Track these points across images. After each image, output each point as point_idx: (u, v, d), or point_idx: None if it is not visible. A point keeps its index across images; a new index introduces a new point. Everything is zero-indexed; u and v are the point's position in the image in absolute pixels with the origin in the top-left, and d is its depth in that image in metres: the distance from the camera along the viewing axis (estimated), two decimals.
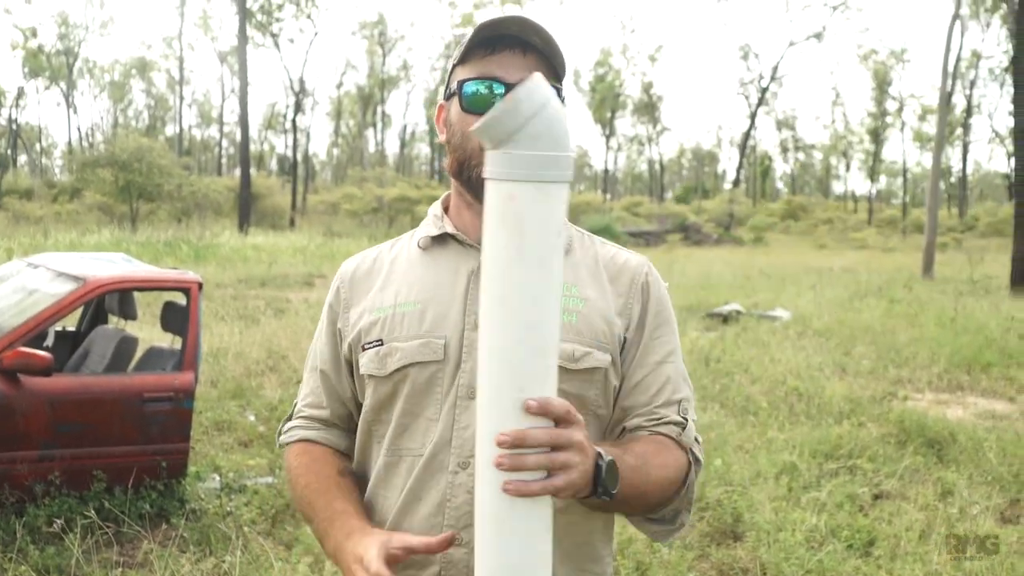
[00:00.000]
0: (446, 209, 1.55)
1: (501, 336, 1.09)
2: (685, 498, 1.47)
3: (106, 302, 6.02)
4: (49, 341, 5.91)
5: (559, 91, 1.39)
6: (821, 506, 5.27)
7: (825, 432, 6.71)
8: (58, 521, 4.39)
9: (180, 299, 5.73)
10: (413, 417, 1.43)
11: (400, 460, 1.44)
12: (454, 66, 1.45)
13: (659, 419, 1.45)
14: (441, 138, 1.50)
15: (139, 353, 6.00)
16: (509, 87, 1.36)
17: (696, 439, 1.49)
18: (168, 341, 6.71)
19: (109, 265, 5.75)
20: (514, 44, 1.39)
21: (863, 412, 7.43)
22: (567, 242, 1.47)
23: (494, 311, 1.10)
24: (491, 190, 1.09)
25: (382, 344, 1.45)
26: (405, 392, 1.43)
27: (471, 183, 1.41)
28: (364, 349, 1.48)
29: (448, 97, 1.47)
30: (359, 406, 1.54)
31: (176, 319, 5.59)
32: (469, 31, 1.42)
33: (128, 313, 5.77)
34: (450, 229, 1.49)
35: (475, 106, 1.39)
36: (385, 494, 1.46)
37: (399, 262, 1.54)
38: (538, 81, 1.07)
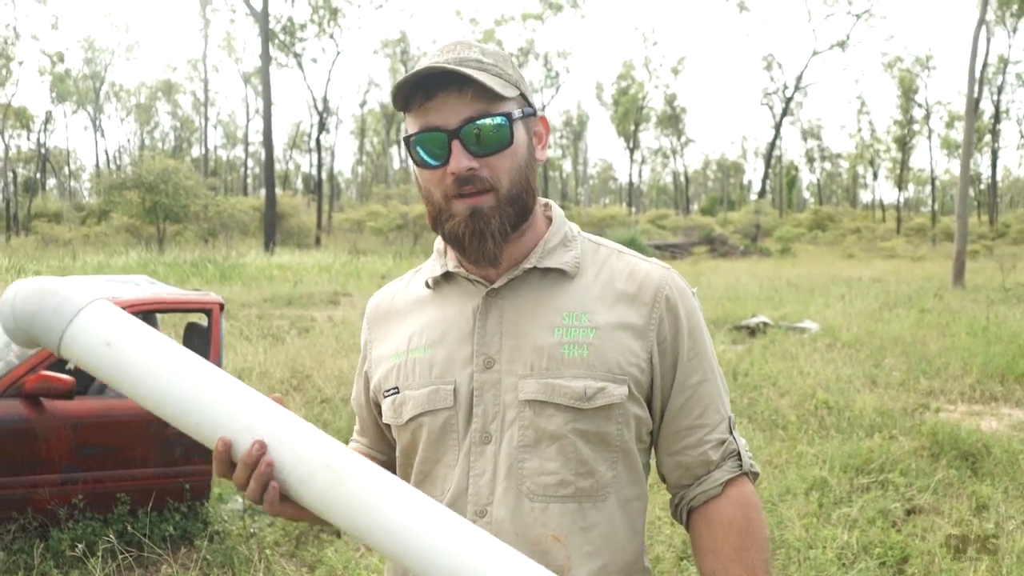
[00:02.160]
0: None
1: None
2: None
3: None
4: (72, 364, 5.92)
5: (511, 114, 1.32)
6: (852, 522, 5.18)
7: (856, 446, 6.60)
8: (80, 545, 4.39)
9: (203, 320, 5.74)
10: (433, 464, 1.39)
11: None
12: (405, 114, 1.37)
13: (713, 463, 1.39)
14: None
15: None
16: (451, 134, 1.28)
17: (746, 451, 1.43)
18: None
19: (131, 287, 5.76)
20: (447, 83, 1.29)
21: (894, 425, 7.31)
22: (573, 263, 1.40)
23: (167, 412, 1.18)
24: (75, 357, 1.19)
25: (397, 392, 1.42)
26: (423, 440, 1.39)
27: (447, 237, 1.36)
28: (384, 397, 1.45)
29: None
30: (393, 441, 1.53)
31: (198, 340, 5.60)
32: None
33: None
34: (452, 266, 1.43)
35: (424, 161, 1.32)
36: None
37: (412, 302, 1.49)
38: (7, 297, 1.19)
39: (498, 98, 1.30)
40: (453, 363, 1.38)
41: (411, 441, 1.42)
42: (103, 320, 1.19)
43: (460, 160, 1.28)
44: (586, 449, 1.33)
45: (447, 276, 1.44)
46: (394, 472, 1.50)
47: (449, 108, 1.29)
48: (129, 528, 4.73)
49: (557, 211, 1.47)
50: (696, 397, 1.40)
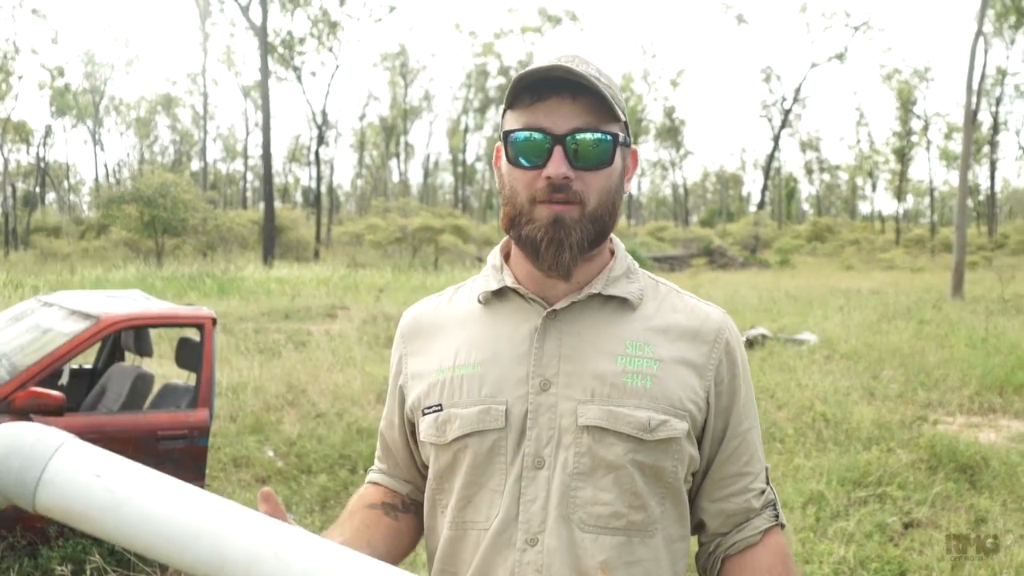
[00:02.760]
0: (507, 258, 1.46)
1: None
2: None
3: (122, 339, 6.01)
4: (64, 379, 5.90)
5: (617, 136, 1.31)
6: (849, 537, 5.13)
7: (853, 459, 6.56)
8: (68, 564, 4.35)
9: (195, 335, 5.71)
10: (477, 488, 1.34)
11: (465, 534, 1.35)
12: (505, 110, 1.36)
13: (754, 511, 1.39)
14: (498, 185, 1.42)
15: (155, 390, 5.98)
16: (556, 139, 1.27)
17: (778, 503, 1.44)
18: (184, 377, 6.69)
19: (124, 302, 5.74)
20: (562, 89, 1.28)
21: (892, 437, 7.27)
22: (637, 294, 1.39)
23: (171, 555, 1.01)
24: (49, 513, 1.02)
25: (441, 410, 1.37)
26: (467, 462, 1.34)
27: (522, 240, 1.33)
28: (424, 414, 1.40)
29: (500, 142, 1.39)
30: (421, 465, 1.49)
31: (191, 355, 5.57)
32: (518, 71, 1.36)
33: (144, 350, 5.75)
34: (510, 282, 1.39)
35: (521, 159, 1.30)
36: (453, 571, 1.36)
37: (458, 317, 1.45)
38: None
39: (609, 116, 1.30)
40: (505, 383, 1.34)
41: (451, 463, 1.37)
42: (84, 455, 1.05)
43: (559, 166, 1.27)
44: (641, 482, 1.31)
45: (502, 293, 1.41)
46: (422, 502, 1.48)
47: (560, 113, 1.28)
48: (118, 546, 4.68)
49: (620, 244, 1.47)
50: (745, 444, 1.39)
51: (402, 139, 73.89)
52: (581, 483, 1.29)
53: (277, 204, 53.02)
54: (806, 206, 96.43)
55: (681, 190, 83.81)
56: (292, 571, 0.98)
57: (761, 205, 64.80)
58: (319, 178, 53.85)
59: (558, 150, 1.27)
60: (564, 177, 1.27)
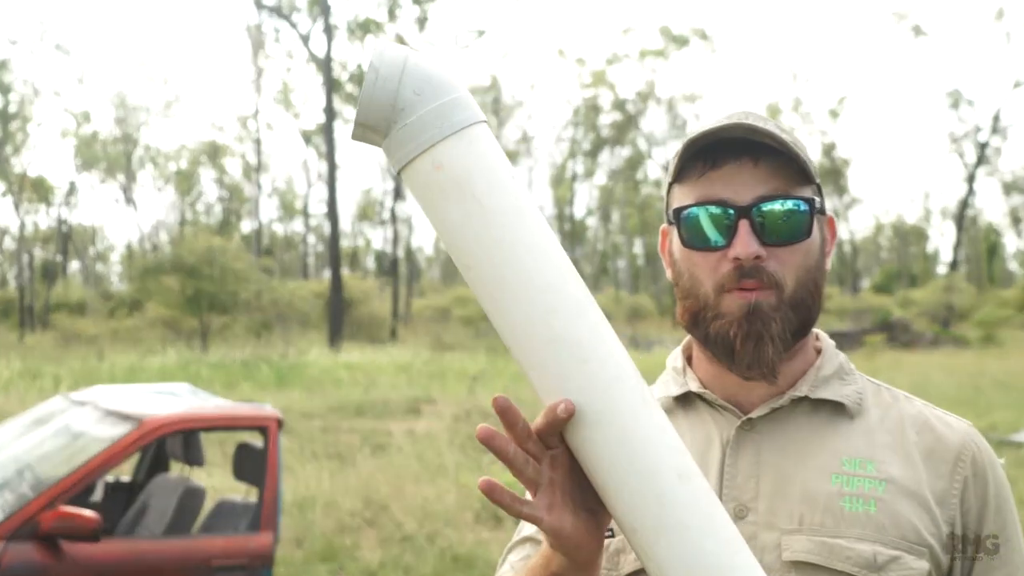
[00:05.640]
0: (688, 360, 1.46)
1: (526, 323, 1.09)
2: None
3: (167, 445, 6.09)
4: (98, 495, 5.99)
5: (813, 201, 1.31)
6: None
7: None
8: None
9: (256, 439, 5.74)
10: None
11: None
12: (670, 184, 1.37)
13: None
14: (668, 274, 1.42)
15: (207, 507, 6.02)
16: (740, 211, 1.27)
17: None
18: (242, 492, 6.73)
19: (170, 400, 5.82)
20: (741, 152, 1.28)
21: None
22: (855, 398, 1.36)
23: (504, 299, 1.10)
24: (411, 179, 1.11)
25: (612, 535, 1.33)
26: None
27: (711, 339, 1.32)
28: None
29: (669, 223, 1.39)
30: None
31: (251, 465, 5.60)
32: (683, 140, 1.34)
33: (193, 458, 5.82)
34: (694, 387, 1.41)
35: (698, 240, 1.30)
36: None
37: None
38: (382, 46, 1.09)
39: (800, 180, 1.31)
40: None
41: None
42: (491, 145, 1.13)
43: (749, 243, 1.27)
44: None
45: (685, 399, 1.42)
46: None
47: (740, 181, 1.29)
48: None
49: (827, 340, 1.48)
50: None
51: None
52: None
53: (345, 272, 54.06)
54: (1013, 265, 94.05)
55: (848, 247, 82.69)
56: None
57: (954, 265, 63.47)
58: (395, 240, 54.84)
59: (744, 225, 1.28)
60: (755, 257, 1.27)
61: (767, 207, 1.28)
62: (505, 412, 1.11)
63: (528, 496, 1.13)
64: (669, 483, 1.08)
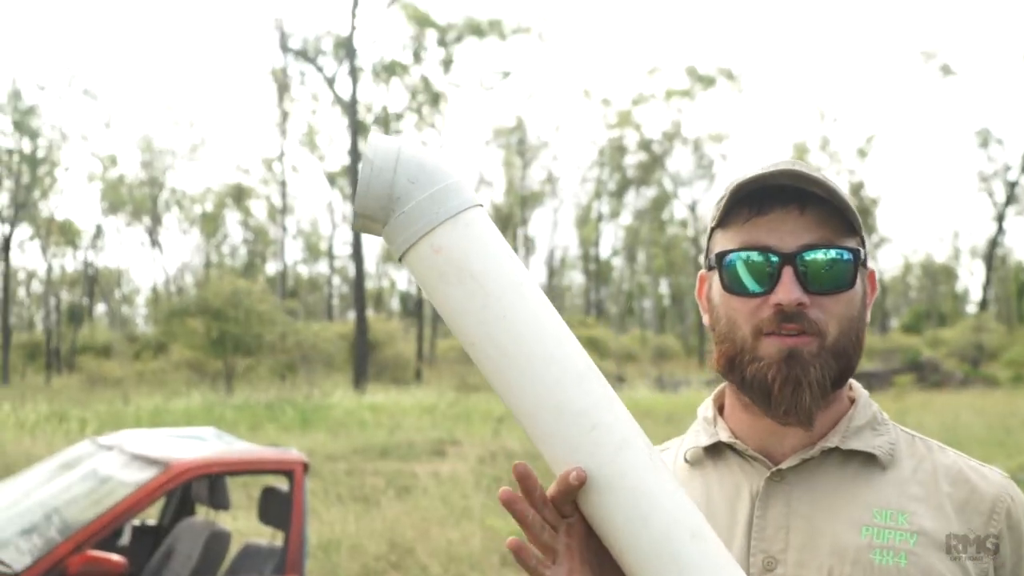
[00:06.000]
0: (720, 409, 1.47)
1: (532, 396, 1.14)
2: None
3: (193, 489, 6.12)
4: (125, 539, 6.02)
5: (858, 252, 1.33)
6: None
7: None
8: None
9: (282, 483, 5.77)
10: None
11: None
12: (712, 229, 1.38)
13: None
14: (705, 320, 1.43)
15: (233, 551, 6.04)
16: (785, 258, 1.28)
17: None
18: (268, 535, 6.74)
19: (196, 444, 5.86)
20: (788, 200, 1.30)
21: None
22: (887, 449, 1.37)
23: (508, 374, 1.14)
24: (412, 264, 1.16)
25: None
26: None
27: (747, 383, 1.33)
28: None
29: (709, 268, 1.40)
30: None
31: (277, 509, 5.62)
32: (728, 185, 1.36)
33: (219, 502, 5.84)
34: (725, 436, 1.42)
35: (739, 285, 1.32)
36: None
37: None
38: (375, 138, 1.17)
39: (845, 230, 1.32)
40: None
41: None
42: (487, 228, 1.18)
43: (792, 290, 1.28)
44: None
45: (716, 449, 1.42)
46: None
47: (786, 228, 1.31)
48: None
49: (861, 390, 1.47)
50: None
51: (520, 231, 75.00)
52: None
53: (370, 314, 54.13)
54: None
55: (877, 287, 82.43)
56: None
57: (984, 305, 63.03)
58: None
59: (787, 271, 1.28)
60: (798, 303, 1.27)
61: (811, 255, 1.29)
62: (524, 479, 1.14)
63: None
64: (682, 543, 1.11)
